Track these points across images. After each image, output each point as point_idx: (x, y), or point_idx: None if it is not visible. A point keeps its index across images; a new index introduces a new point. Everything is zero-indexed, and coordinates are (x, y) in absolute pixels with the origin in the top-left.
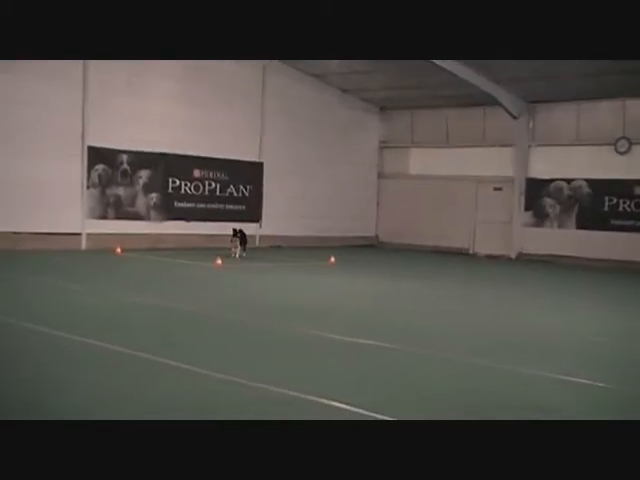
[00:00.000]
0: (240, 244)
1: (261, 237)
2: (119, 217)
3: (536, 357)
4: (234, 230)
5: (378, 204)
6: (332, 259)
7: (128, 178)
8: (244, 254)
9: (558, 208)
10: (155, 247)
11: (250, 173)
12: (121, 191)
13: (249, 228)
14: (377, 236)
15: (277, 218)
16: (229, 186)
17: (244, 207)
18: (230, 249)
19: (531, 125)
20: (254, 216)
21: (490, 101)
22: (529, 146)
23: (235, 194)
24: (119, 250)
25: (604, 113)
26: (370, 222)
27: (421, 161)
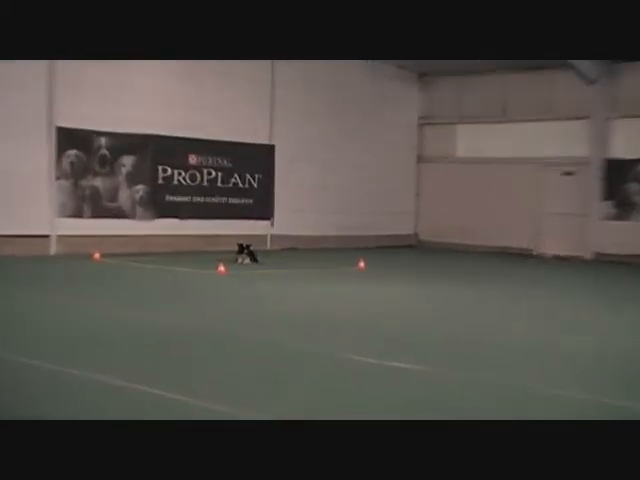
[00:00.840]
0: (249, 259)
1: (273, 237)
2: (97, 215)
3: (608, 383)
4: (240, 246)
5: (418, 195)
6: (361, 264)
7: (108, 166)
8: (252, 261)
9: None
10: (142, 251)
11: (259, 159)
12: (99, 182)
13: (258, 227)
14: (417, 234)
15: (293, 214)
16: (233, 175)
17: (251, 201)
18: (236, 259)
19: (612, 92)
20: (264, 212)
21: (559, 62)
22: (609, 118)
23: (240, 185)
24: (97, 255)
25: None
26: (408, 217)
27: (471, 140)
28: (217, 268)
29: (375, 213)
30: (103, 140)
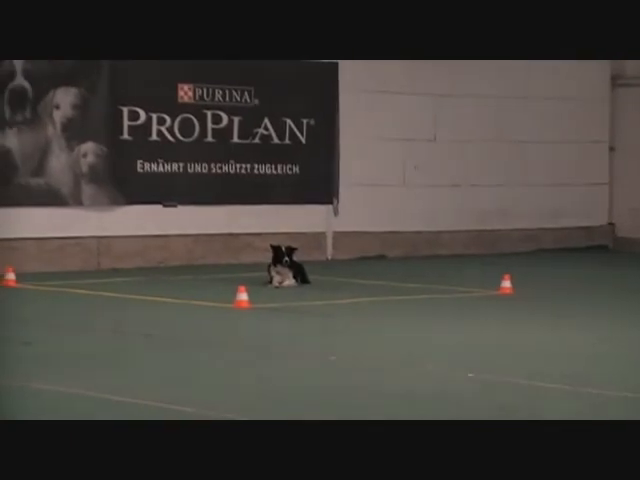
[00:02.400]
0: (293, 277)
1: (338, 237)
2: (9, 202)
3: None
4: (275, 250)
5: (612, 149)
6: (506, 282)
7: (28, 110)
8: (297, 282)
9: None
10: (95, 268)
11: (310, 90)
12: (12, 141)
13: (310, 218)
14: (612, 226)
15: (375, 193)
16: (262, 121)
17: (297, 169)
18: (270, 278)
19: None
20: (321, 190)
21: None
22: None
23: (276, 139)
24: (11, 277)
25: None
26: (595, 194)
27: None
28: (235, 298)
29: (528, 187)
30: (18, 61)
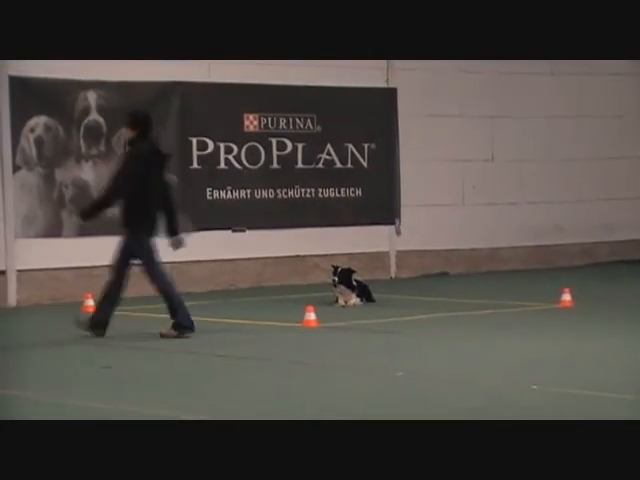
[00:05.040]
0: (358, 296)
1: (401, 256)
2: (87, 232)
3: None
4: (336, 270)
5: None
6: (566, 295)
7: (103, 144)
8: (362, 301)
9: None
10: None
11: (369, 115)
12: (88, 173)
13: (373, 238)
14: None
15: (435, 212)
16: (324, 147)
17: (359, 191)
18: (335, 297)
19: None
20: (383, 211)
21: None
22: None
23: (338, 164)
24: (90, 303)
25: None
26: None
27: None
28: (304, 317)
29: (582, 203)
30: (93, 97)
